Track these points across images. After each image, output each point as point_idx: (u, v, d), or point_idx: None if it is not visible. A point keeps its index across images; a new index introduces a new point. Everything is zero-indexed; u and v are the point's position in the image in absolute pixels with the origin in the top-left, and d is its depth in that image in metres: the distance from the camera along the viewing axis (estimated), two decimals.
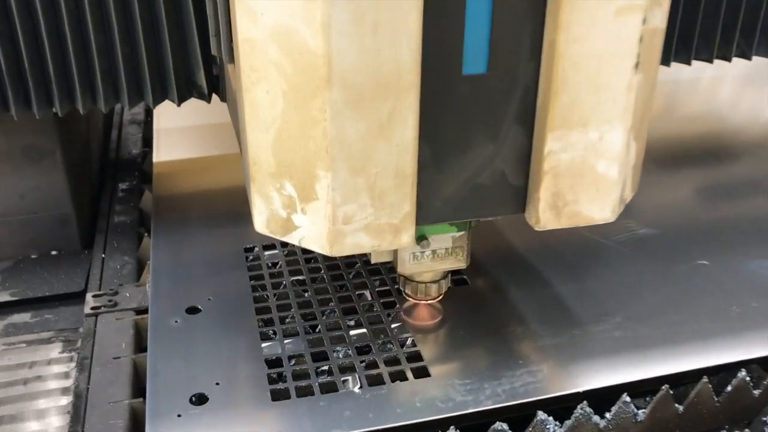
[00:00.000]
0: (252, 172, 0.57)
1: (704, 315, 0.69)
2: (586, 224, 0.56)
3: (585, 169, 0.53)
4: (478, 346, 0.65)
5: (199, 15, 0.74)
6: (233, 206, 0.92)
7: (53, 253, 0.83)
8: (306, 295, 0.77)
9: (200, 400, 0.58)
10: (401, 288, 0.72)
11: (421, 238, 0.64)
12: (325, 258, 0.83)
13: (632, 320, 0.72)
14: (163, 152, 1.05)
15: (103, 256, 0.86)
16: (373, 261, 0.68)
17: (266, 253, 0.83)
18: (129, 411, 0.59)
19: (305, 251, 0.84)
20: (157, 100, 0.79)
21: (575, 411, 0.57)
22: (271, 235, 0.58)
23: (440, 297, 0.73)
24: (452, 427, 0.58)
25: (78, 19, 0.73)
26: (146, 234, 0.89)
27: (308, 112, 0.48)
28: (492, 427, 0.56)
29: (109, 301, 0.78)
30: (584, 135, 0.49)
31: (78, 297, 0.76)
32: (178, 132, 1.10)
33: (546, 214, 0.52)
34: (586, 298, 0.75)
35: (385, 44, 0.42)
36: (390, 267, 0.81)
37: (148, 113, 1.24)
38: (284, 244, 0.84)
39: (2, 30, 0.71)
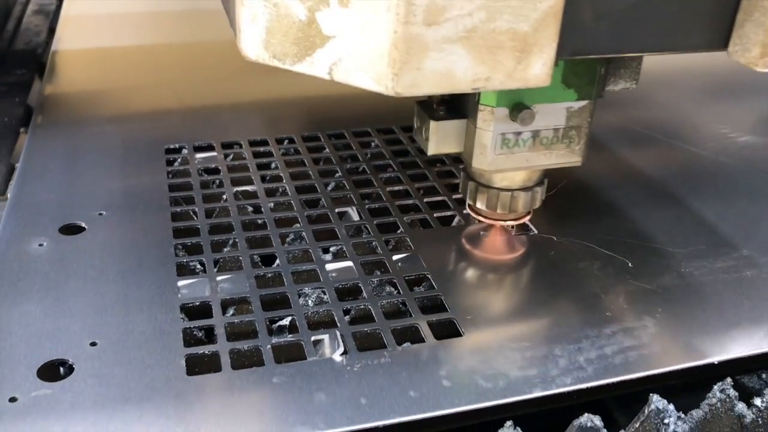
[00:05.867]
0: None
1: None
2: None
3: None
4: (538, 287, 0.45)
5: None
6: (151, 101, 0.66)
7: None
8: (256, 211, 0.50)
9: (60, 371, 0.37)
10: (468, 200, 0.47)
11: (518, 109, 0.40)
12: (290, 163, 0.56)
13: (767, 253, 0.48)
14: (66, 41, 0.79)
15: None
16: (432, 152, 0.43)
17: (199, 155, 0.56)
18: None
19: (260, 153, 0.56)
20: None
21: (709, 395, 0.38)
22: (274, 62, 0.33)
23: (528, 216, 0.47)
24: (509, 423, 0.36)
25: None
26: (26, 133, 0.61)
27: None
28: (577, 422, 0.36)
29: None
30: None
31: None
32: (88, 19, 0.86)
33: None
34: (687, 223, 0.51)
35: None
36: (388, 178, 0.54)
37: (61, 1, 0.96)
38: (228, 145, 0.56)
39: None
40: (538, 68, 0.32)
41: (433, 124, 0.42)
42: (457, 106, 0.43)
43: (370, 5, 0.30)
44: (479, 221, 0.47)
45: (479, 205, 0.46)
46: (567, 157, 0.43)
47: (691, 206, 0.52)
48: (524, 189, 0.44)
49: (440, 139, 0.43)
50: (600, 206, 0.52)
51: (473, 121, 0.42)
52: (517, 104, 0.40)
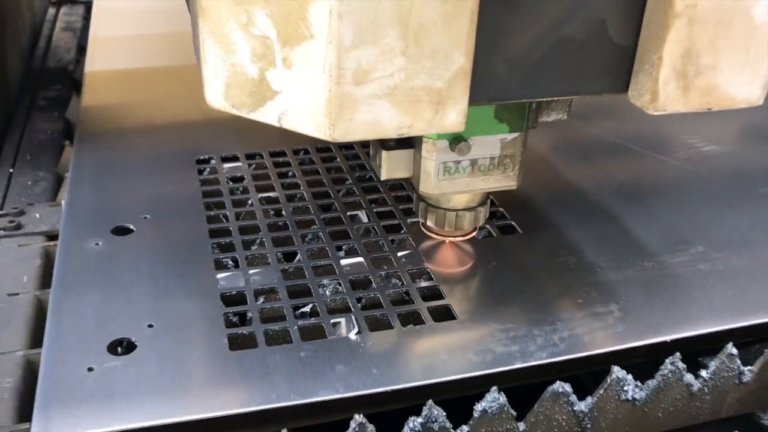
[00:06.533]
0: (202, 2, 0.38)
1: None
2: (722, 107, 0.38)
3: (735, 15, 0.36)
4: (521, 279, 0.52)
5: None
6: (180, 116, 0.73)
7: None
8: (279, 215, 0.57)
9: (124, 348, 0.44)
10: (420, 219, 0.53)
11: (456, 141, 0.44)
12: (306, 171, 0.63)
13: (719, 250, 0.55)
14: (97, 62, 0.85)
15: (12, 170, 0.66)
16: (384, 177, 0.48)
17: (226, 165, 0.64)
18: (23, 365, 0.46)
19: (280, 163, 0.64)
20: None
21: (662, 367, 0.45)
22: (233, 110, 0.38)
23: (474, 232, 0.53)
24: (494, 388, 0.43)
25: None
26: (70, 145, 0.69)
27: None
28: (550, 388, 0.43)
29: (11, 222, 0.59)
30: None
31: None
32: (115, 41, 0.92)
33: (669, 87, 0.38)
34: (653, 224, 0.58)
35: None
36: (393, 184, 0.62)
37: (87, 18, 1.04)
38: (251, 156, 0.64)
39: None
40: (453, 117, 0.36)
41: (384, 153, 0.47)
42: (406, 137, 0.46)
43: (309, 68, 0.35)
44: (431, 237, 0.53)
45: (429, 223, 0.51)
46: (503, 181, 0.48)
47: (655, 209, 0.60)
48: (468, 209, 0.50)
49: (391, 165, 0.47)
50: (575, 209, 0.60)
51: (419, 151, 0.46)
52: (456, 137, 0.45)
